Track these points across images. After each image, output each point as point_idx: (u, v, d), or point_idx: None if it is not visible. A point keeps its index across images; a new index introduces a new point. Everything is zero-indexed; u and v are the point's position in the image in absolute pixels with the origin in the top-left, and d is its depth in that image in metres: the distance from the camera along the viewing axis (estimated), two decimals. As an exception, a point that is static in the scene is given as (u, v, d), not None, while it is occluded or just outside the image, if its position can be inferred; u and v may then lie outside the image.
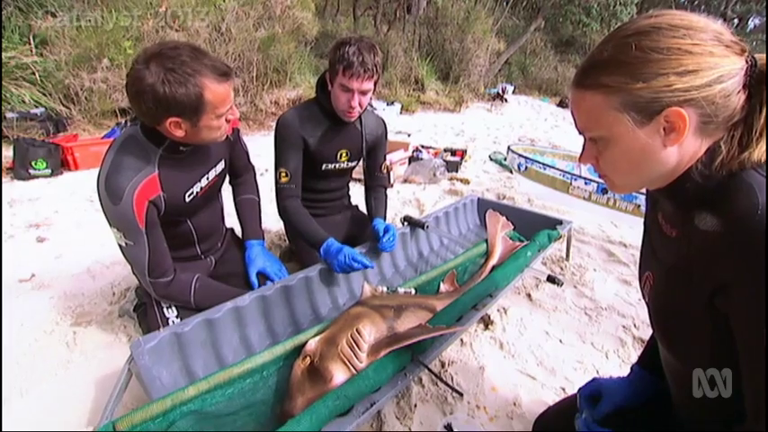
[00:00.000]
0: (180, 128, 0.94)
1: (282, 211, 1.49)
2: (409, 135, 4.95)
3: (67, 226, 2.26)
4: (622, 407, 0.78)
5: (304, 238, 1.43)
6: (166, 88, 0.86)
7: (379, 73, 1.32)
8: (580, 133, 0.59)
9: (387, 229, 1.50)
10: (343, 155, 1.55)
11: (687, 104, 0.48)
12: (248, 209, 1.46)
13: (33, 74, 3.63)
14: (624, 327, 1.57)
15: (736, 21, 16.36)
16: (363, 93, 1.32)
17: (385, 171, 1.69)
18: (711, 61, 0.47)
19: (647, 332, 1.55)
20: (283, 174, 1.46)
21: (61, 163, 3.11)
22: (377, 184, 1.70)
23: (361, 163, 1.66)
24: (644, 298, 0.68)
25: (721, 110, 0.48)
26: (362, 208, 1.77)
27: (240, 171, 1.46)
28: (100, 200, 0.97)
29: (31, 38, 3.73)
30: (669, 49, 0.47)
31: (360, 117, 1.51)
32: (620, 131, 0.52)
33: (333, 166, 1.56)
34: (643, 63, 0.48)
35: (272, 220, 2.37)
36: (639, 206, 2.52)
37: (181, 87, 0.86)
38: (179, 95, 0.87)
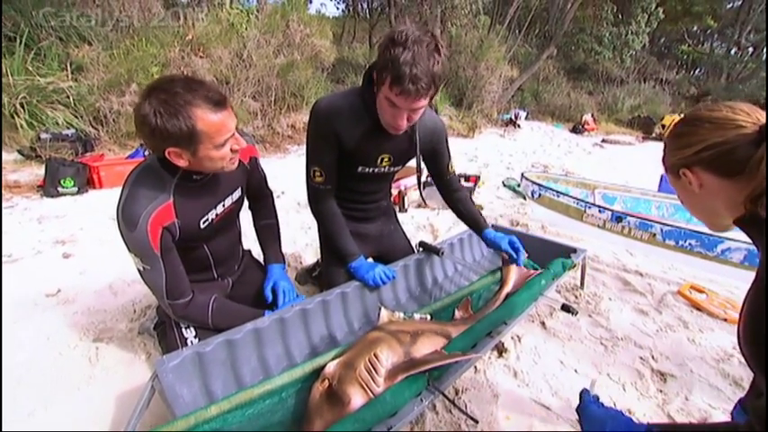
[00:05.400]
0: (181, 157, 0.96)
1: (317, 215, 1.40)
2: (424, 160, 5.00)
3: (91, 243, 2.35)
4: None
5: (334, 246, 1.38)
6: (158, 120, 0.89)
7: (437, 85, 1.06)
8: None
9: (516, 248, 1.45)
10: (385, 160, 1.34)
11: (693, 165, 0.67)
12: (269, 235, 1.47)
13: (68, 97, 3.84)
14: (642, 358, 1.55)
15: (751, 49, 16.41)
16: (414, 110, 1.10)
17: (453, 172, 1.51)
18: (695, 139, 0.66)
19: (665, 364, 1.53)
20: (318, 173, 1.30)
21: (87, 181, 3.24)
22: (454, 190, 1.52)
23: (407, 165, 1.46)
24: (738, 334, 0.66)
25: (726, 164, 0.63)
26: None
27: (258, 197, 1.47)
28: (118, 228, 1.01)
29: (68, 65, 3.96)
30: (679, 134, 0.70)
31: None
32: (673, 183, 0.75)
33: (371, 170, 1.35)
34: (669, 143, 0.73)
35: (287, 242, 2.42)
36: (655, 235, 2.50)
37: (172, 118, 0.89)
38: (171, 127, 0.89)
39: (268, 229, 1.48)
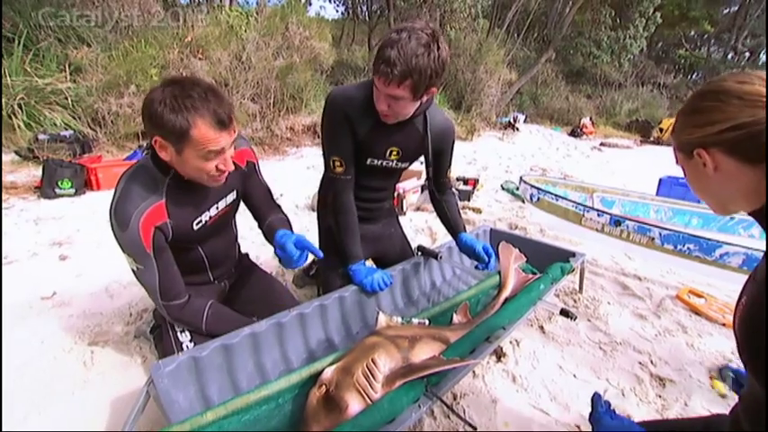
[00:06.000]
0: (165, 150, 0.96)
1: (334, 207, 1.37)
2: (422, 163, 5.01)
3: (88, 245, 2.33)
4: None
5: (341, 243, 1.36)
6: (160, 108, 0.90)
7: (416, 79, 1.04)
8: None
9: (489, 254, 1.43)
10: (394, 153, 1.35)
11: (712, 146, 0.59)
12: (281, 223, 1.32)
13: (66, 99, 3.84)
14: (641, 363, 1.55)
15: (747, 54, 16.53)
16: (393, 98, 1.10)
17: (449, 177, 1.56)
18: (720, 116, 0.57)
19: (664, 369, 1.52)
20: (338, 163, 1.29)
21: (85, 183, 3.23)
22: (445, 192, 1.56)
23: (415, 164, 1.47)
24: (733, 325, 0.64)
25: (752, 148, 0.55)
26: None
27: (264, 205, 1.36)
28: (111, 228, 1.00)
29: (66, 66, 3.96)
30: (699, 108, 0.61)
31: (425, 115, 1.31)
32: (682, 162, 0.67)
33: (379, 162, 1.36)
34: (684, 117, 0.64)
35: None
36: (653, 239, 2.51)
37: (172, 113, 0.90)
38: (167, 118, 0.90)
39: (280, 221, 1.34)
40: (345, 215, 1.37)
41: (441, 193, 1.56)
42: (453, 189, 1.60)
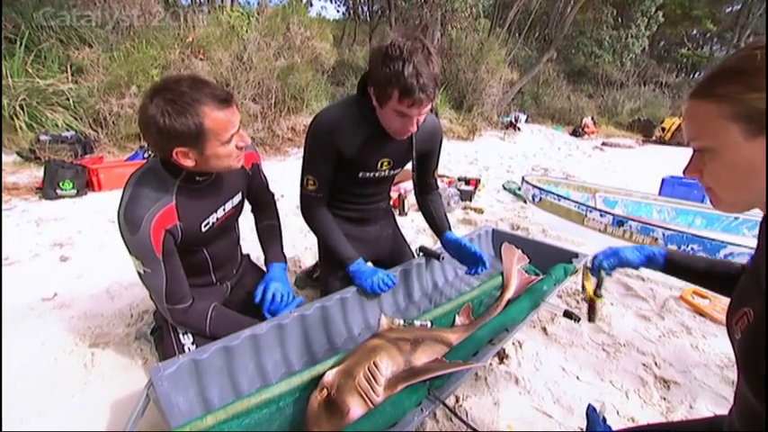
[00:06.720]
0: (188, 157, 0.96)
1: (308, 220, 1.43)
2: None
3: (89, 246, 2.33)
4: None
5: (331, 252, 1.39)
6: (166, 119, 0.88)
7: (438, 89, 1.11)
8: (688, 145, 0.55)
9: (478, 256, 1.37)
10: (385, 164, 1.39)
11: None
12: (269, 235, 1.46)
13: (68, 99, 3.85)
14: (644, 365, 1.53)
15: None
16: (422, 114, 1.15)
17: (436, 177, 1.56)
18: None
19: (668, 371, 1.51)
20: (311, 182, 1.35)
21: (86, 184, 3.23)
22: (431, 192, 1.58)
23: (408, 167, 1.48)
24: (731, 336, 0.59)
25: None
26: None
27: (260, 200, 1.46)
28: (120, 230, 1.00)
29: (68, 67, 3.97)
30: None
31: None
32: (726, 142, 0.48)
33: (371, 174, 1.40)
34: (764, 73, 0.44)
35: (286, 246, 2.40)
36: (656, 239, 2.49)
37: (180, 117, 0.89)
38: (179, 125, 0.89)
39: (269, 230, 1.47)
40: (322, 225, 1.40)
41: (427, 193, 1.58)
42: (439, 190, 1.62)
